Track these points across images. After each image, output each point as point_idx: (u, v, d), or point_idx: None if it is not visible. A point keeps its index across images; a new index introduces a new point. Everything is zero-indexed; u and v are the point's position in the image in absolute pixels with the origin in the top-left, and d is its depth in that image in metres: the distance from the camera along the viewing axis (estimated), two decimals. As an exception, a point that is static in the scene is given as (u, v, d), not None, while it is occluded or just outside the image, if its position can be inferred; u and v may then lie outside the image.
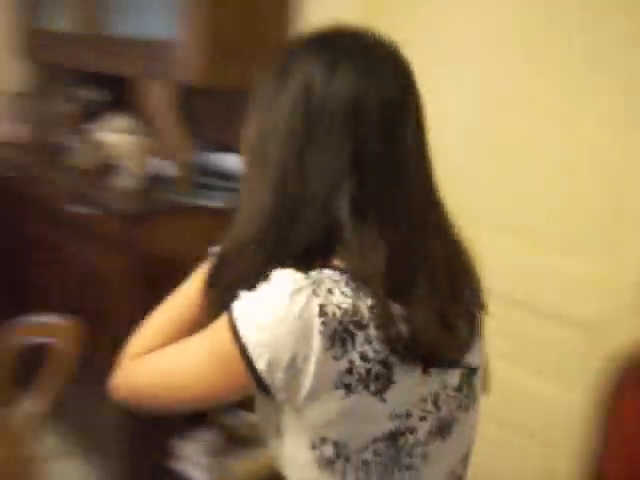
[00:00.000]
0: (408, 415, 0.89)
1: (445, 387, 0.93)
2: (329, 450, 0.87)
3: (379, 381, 0.84)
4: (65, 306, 1.83)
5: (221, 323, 0.87)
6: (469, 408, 0.98)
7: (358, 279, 0.85)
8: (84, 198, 2.60)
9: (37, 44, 3.30)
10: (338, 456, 0.87)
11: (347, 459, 0.88)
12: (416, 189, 0.90)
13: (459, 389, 0.95)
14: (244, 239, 0.91)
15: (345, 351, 0.82)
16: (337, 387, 0.83)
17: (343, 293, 0.83)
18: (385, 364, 0.84)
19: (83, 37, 2.92)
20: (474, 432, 1.03)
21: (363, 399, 0.84)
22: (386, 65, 0.90)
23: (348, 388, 0.83)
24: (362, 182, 0.86)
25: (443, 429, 0.94)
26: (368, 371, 0.84)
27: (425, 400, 0.91)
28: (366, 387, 0.84)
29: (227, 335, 0.85)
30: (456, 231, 0.97)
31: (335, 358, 0.82)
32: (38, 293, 2.99)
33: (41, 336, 1.69)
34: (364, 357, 0.83)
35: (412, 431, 0.90)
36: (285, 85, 0.89)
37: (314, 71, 0.87)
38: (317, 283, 0.83)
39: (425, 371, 0.89)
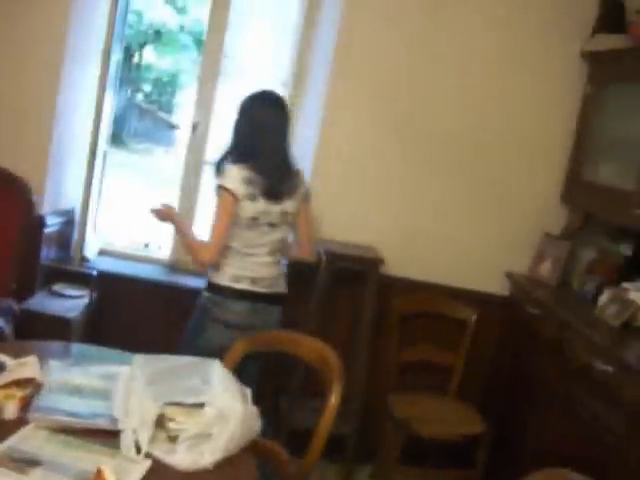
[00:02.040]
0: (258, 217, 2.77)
1: (275, 211, 2.80)
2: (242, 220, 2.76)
3: (254, 199, 2.74)
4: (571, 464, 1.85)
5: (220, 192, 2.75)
6: (283, 225, 2.86)
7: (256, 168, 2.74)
8: (608, 355, 2.60)
9: (581, 193, 3.53)
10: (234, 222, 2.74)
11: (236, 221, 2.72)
12: (278, 141, 2.85)
13: (283, 214, 2.83)
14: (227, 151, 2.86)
15: (248, 187, 2.71)
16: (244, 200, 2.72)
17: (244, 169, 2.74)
18: (258, 194, 2.75)
19: (629, 193, 2.98)
20: (285, 237, 2.90)
21: (249, 205, 2.72)
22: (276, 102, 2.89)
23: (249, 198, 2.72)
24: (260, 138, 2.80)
25: (272, 225, 2.81)
26: (254, 194, 2.73)
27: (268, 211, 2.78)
28: (252, 200, 2.72)
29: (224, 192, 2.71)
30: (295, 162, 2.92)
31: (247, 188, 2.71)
32: (534, 437, 3.09)
33: None
34: (253, 191, 2.74)
35: (259, 218, 2.77)
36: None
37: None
38: (241, 168, 2.72)
39: (268, 199, 2.76)
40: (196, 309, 2.92)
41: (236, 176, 2.72)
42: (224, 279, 2.83)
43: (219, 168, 2.83)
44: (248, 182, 2.74)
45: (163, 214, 2.93)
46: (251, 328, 2.79)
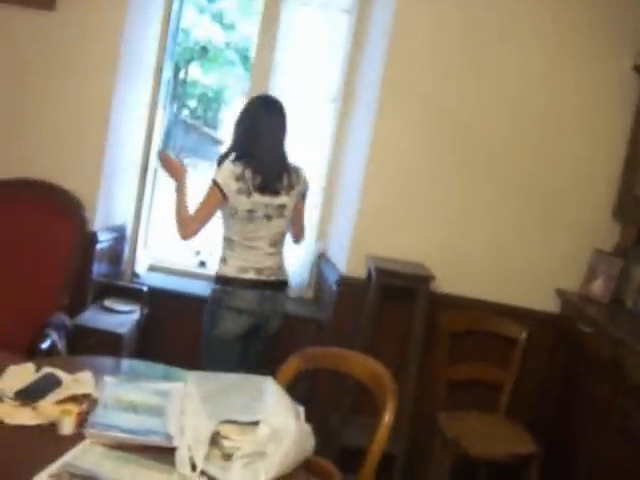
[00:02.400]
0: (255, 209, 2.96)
1: (270, 203, 2.99)
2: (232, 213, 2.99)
3: (250, 194, 2.93)
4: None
5: (210, 185, 2.98)
6: (280, 217, 3.03)
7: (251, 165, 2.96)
8: None
9: (634, 208, 3.46)
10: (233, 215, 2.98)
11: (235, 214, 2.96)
12: (274, 143, 3.05)
13: (279, 207, 3.01)
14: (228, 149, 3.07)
15: (238, 182, 2.93)
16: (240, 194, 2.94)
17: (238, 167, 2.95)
18: (252, 189, 2.94)
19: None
20: (282, 229, 3.10)
21: (245, 199, 2.94)
22: (274, 107, 3.07)
23: (244, 193, 2.93)
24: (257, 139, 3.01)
25: (269, 217, 3.00)
26: (248, 189, 2.93)
27: (264, 204, 2.98)
28: (246, 194, 2.92)
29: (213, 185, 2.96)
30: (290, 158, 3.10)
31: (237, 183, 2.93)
32: (586, 458, 3.03)
33: None
34: (246, 186, 2.94)
35: (256, 210, 2.96)
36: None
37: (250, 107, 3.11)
38: (237, 165, 2.95)
39: (263, 194, 2.97)
40: (208, 303, 3.09)
41: (229, 173, 2.94)
42: (232, 271, 3.03)
43: (219, 163, 3.03)
44: (239, 178, 2.93)
45: (171, 166, 3.12)
46: (262, 314, 3.06)
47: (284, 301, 3.20)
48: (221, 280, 3.06)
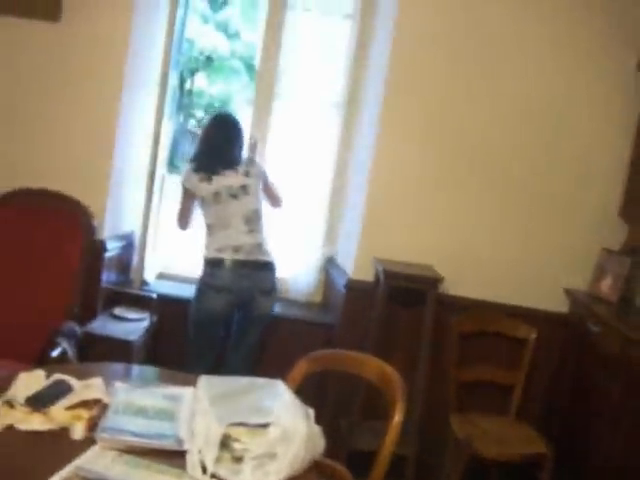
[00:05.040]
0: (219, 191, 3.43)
1: (232, 185, 3.45)
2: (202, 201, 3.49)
3: (209, 179, 3.43)
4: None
5: (183, 189, 3.56)
6: (247, 195, 3.44)
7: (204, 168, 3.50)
8: None
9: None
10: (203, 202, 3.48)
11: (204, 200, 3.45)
12: (226, 149, 3.51)
13: (242, 187, 3.46)
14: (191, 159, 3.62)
15: (197, 174, 3.48)
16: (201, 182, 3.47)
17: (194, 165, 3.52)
18: (211, 176, 3.44)
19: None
20: (253, 206, 3.48)
21: (207, 185, 3.44)
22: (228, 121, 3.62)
23: (205, 181, 3.44)
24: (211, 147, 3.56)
25: (234, 196, 3.41)
26: (208, 177, 3.44)
27: (226, 186, 3.44)
28: (208, 181, 3.43)
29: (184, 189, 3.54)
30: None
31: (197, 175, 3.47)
32: (598, 457, 3.03)
33: None
34: (205, 175, 3.45)
35: (221, 192, 3.42)
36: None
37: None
38: (197, 173, 3.47)
39: (221, 177, 3.45)
40: (196, 286, 3.46)
41: (188, 172, 3.49)
42: (211, 252, 3.41)
43: (186, 172, 3.53)
44: (197, 171, 3.47)
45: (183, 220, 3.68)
46: (240, 291, 3.38)
47: (269, 280, 3.47)
48: (204, 262, 3.43)
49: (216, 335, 3.49)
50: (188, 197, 3.52)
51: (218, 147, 3.50)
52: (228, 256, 3.37)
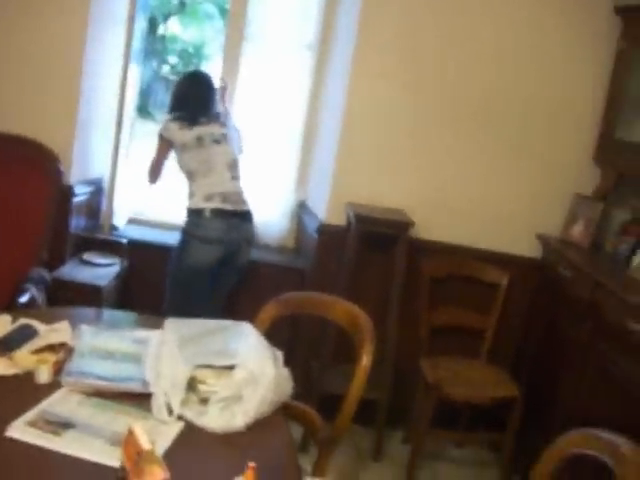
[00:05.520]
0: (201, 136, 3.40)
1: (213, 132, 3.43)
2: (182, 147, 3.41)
3: (190, 127, 3.40)
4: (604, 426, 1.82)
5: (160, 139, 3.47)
6: (227, 143, 3.46)
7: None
8: None
9: (614, 152, 3.45)
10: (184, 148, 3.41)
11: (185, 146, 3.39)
12: (200, 103, 3.51)
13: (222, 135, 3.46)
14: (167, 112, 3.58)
15: (176, 123, 3.44)
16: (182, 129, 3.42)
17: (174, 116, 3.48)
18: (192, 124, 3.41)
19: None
20: (233, 154, 3.49)
21: (188, 131, 3.40)
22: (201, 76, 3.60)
23: (186, 127, 3.41)
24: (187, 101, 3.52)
25: (217, 142, 3.42)
26: (188, 125, 3.41)
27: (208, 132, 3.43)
28: (189, 127, 3.40)
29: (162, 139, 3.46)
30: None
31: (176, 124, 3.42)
32: (566, 400, 3.07)
33: (600, 453, 1.68)
34: (185, 123, 3.43)
35: (204, 138, 3.42)
36: None
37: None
38: (176, 122, 3.44)
39: (202, 124, 3.43)
40: (181, 237, 3.39)
41: (167, 122, 3.44)
42: (199, 202, 3.33)
43: (164, 123, 3.48)
44: (176, 120, 3.42)
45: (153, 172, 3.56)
46: (230, 243, 3.36)
47: (252, 229, 3.50)
48: (190, 213, 3.35)
49: (203, 288, 3.42)
50: (164, 147, 3.44)
51: (195, 99, 3.48)
52: (216, 205, 3.31)
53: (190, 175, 3.40)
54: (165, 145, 3.44)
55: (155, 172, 3.50)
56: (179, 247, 3.38)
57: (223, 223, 3.32)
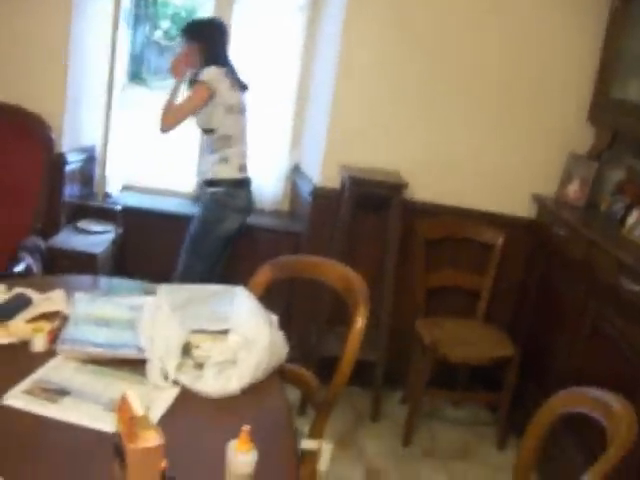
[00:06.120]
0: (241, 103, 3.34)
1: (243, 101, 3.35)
2: (228, 108, 3.29)
3: (236, 90, 3.31)
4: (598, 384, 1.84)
5: (198, 85, 3.21)
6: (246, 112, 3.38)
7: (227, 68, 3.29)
8: (636, 274, 2.55)
9: (609, 112, 3.43)
10: (229, 110, 3.29)
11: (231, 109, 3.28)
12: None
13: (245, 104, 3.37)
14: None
15: (227, 78, 3.25)
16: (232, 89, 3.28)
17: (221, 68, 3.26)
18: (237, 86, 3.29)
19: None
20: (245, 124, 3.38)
21: (234, 93, 3.30)
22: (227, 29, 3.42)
23: (234, 88, 3.30)
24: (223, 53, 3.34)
25: (242, 112, 3.36)
26: (235, 86, 3.30)
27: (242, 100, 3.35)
28: (235, 90, 3.31)
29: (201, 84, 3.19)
30: None
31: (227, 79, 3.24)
32: (561, 358, 3.09)
33: (591, 410, 1.69)
34: (233, 82, 3.29)
35: (241, 105, 3.33)
36: None
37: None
38: (217, 67, 3.23)
39: (241, 90, 3.35)
40: (211, 204, 3.31)
41: (217, 72, 3.21)
42: (234, 172, 3.30)
43: (214, 71, 3.22)
44: (227, 75, 3.23)
45: (177, 66, 3.36)
46: (248, 211, 3.43)
47: None
48: (227, 183, 3.30)
49: (221, 256, 3.43)
50: (204, 97, 3.18)
51: (230, 61, 3.37)
52: (246, 175, 3.37)
53: (226, 140, 3.28)
54: (206, 95, 3.19)
55: (178, 119, 3.24)
56: (210, 217, 3.31)
57: (249, 192, 3.39)
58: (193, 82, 3.27)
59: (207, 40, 3.30)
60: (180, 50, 3.39)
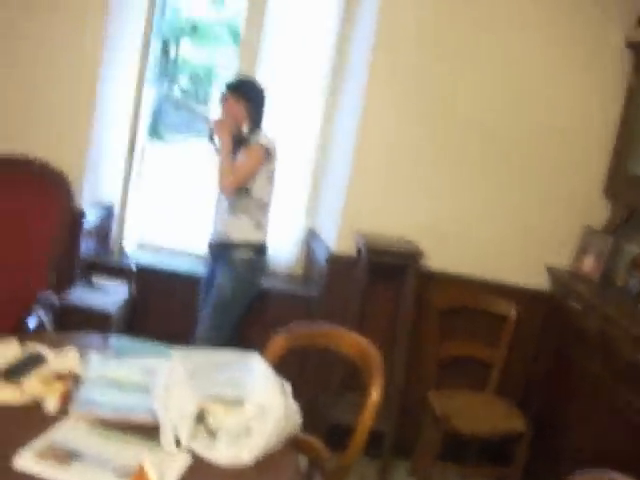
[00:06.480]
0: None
1: None
2: (270, 176, 3.34)
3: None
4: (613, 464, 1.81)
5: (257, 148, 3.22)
6: None
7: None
8: None
9: (625, 187, 3.45)
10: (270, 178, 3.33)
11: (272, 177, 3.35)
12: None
13: None
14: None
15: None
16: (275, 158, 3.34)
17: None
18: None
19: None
20: None
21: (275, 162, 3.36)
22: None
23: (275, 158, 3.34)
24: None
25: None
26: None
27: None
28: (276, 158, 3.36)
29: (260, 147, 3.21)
30: None
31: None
32: (574, 435, 3.05)
33: None
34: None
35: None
36: None
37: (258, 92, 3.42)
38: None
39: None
40: (243, 267, 3.30)
41: (272, 138, 3.28)
42: (263, 237, 3.35)
43: (248, 135, 3.29)
44: (276, 154, 3.28)
45: (223, 125, 3.29)
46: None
47: None
48: (260, 248, 3.35)
49: (243, 317, 3.45)
50: (262, 161, 3.22)
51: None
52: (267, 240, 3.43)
53: (263, 206, 3.32)
54: (264, 158, 3.24)
55: (239, 181, 3.20)
56: (244, 279, 3.33)
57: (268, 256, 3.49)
58: (243, 141, 3.28)
59: (254, 100, 3.35)
60: (224, 106, 3.35)
